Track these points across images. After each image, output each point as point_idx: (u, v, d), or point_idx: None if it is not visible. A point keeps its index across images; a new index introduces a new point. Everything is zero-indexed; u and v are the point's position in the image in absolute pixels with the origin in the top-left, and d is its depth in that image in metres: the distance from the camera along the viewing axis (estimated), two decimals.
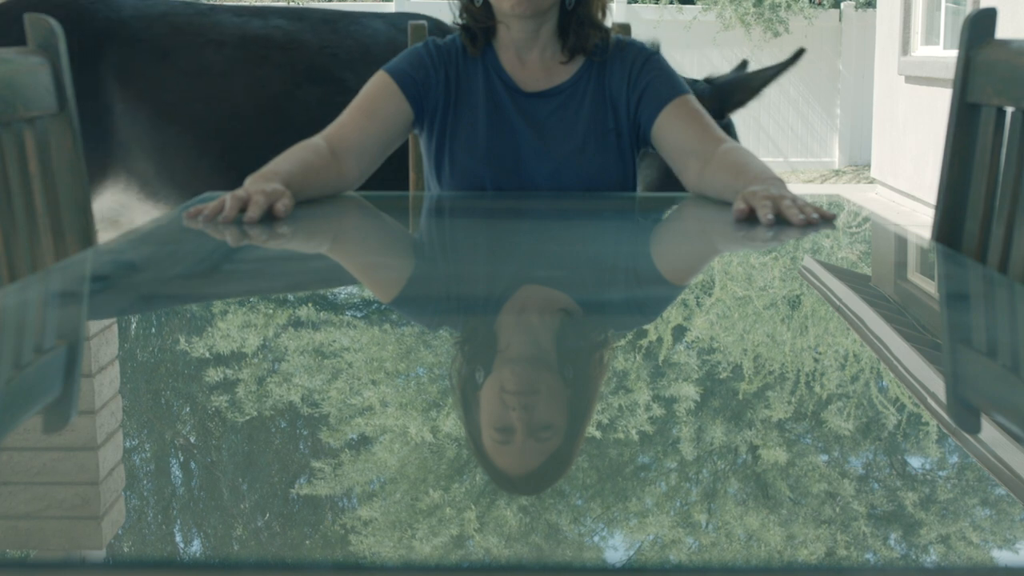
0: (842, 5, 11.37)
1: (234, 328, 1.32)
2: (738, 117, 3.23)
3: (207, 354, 1.20)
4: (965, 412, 1.07)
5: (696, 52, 11.02)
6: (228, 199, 1.77)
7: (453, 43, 2.16)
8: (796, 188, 3.04)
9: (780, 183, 1.88)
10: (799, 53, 3.06)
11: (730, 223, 1.78)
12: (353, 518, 0.81)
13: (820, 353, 1.26)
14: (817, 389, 1.11)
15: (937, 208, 1.91)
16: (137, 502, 0.84)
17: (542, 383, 1.10)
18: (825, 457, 0.94)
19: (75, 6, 3.03)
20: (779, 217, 1.73)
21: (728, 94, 3.03)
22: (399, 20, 3.25)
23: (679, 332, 1.29)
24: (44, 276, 1.61)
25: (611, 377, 1.13)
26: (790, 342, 1.28)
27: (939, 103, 7.88)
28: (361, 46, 3.10)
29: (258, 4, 3.32)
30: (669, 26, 11.09)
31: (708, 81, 3.09)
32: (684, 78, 3.20)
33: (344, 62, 3.12)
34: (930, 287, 1.60)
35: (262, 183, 1.83)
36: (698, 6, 11.34)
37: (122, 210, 3.12)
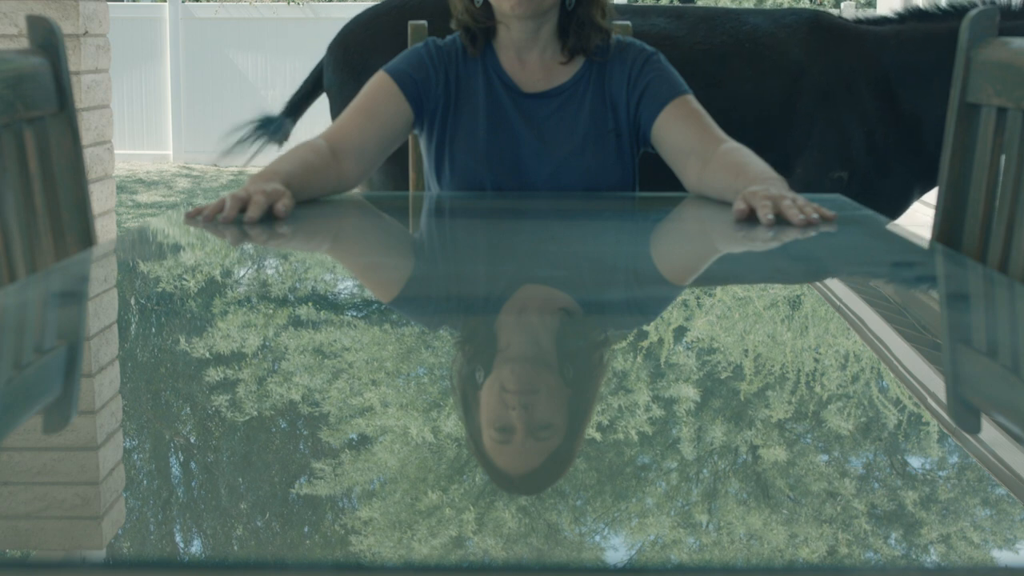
0: (842, 5, 11.37)
1: (234, 328, 1.32)
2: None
3: (207, 354, 1.20)
4: (965, 412, 1.07)
5: None
6: (228, 199, 1.76)
7: (453, 43, 2.16)
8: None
9: (780, 183, 1.88)
10: None
11: (730, 223, 1.78)
12: (353, 518, 0.81)
13: (820, 353, 1.26)
14: (817, 389, 1.11)
15: (937, 208, 1.91)
16: (137, 502, 0.84)
17: (542, 383, 1.10)
18: (825, 457, 0.94)
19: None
20: (779, 217, 1.73)
21: None
22: (782, 16, 3.32)
23: (679, 332, 1.29)
24: (44, 276, 1.61)
25: (611, 377, 1.13)
26: (790, 342, 1.28)
27: None
28: (736, 42, 3.18)
29: (642, 4, 3.43)
30: None
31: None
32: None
33: (716, 57, 3.21)
34: (930, 287, 1.60)
35: (262, 183, 1.83)
36: (699, 6, 11.34)
37: None
